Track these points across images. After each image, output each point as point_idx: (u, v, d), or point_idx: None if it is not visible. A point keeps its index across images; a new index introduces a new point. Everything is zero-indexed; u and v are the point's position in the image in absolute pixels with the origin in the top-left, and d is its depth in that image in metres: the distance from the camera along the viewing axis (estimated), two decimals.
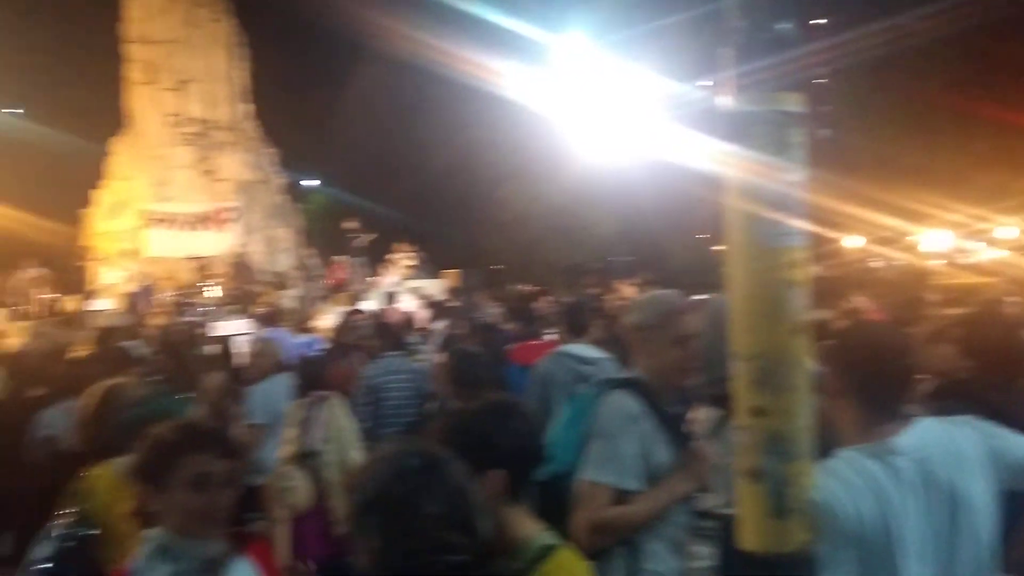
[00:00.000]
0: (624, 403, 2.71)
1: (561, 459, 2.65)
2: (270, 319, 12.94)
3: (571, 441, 2.70)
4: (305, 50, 39.51)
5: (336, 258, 20.08)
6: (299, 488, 3.23)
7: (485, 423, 2.11)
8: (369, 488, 1.66)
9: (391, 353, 6.44)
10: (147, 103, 21.50)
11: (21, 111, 35.39)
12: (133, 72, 21.53)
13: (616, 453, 2.61)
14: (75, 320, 17.47)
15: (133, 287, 17.94)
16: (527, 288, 17.85)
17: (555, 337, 7.01)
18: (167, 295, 18.09)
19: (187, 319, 14.97)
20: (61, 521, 2.98)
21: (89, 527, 2.94)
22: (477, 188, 29.89)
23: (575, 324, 5.23)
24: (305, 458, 3.37)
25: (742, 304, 1.84)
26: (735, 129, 1.81)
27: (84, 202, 21.71)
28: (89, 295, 18.27)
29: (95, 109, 23.84)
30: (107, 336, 8.35)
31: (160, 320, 16.39)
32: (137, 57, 21.50)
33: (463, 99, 28.32)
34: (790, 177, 1.79)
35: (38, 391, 6.08)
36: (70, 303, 18.44)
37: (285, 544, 3.12)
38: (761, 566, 1.80)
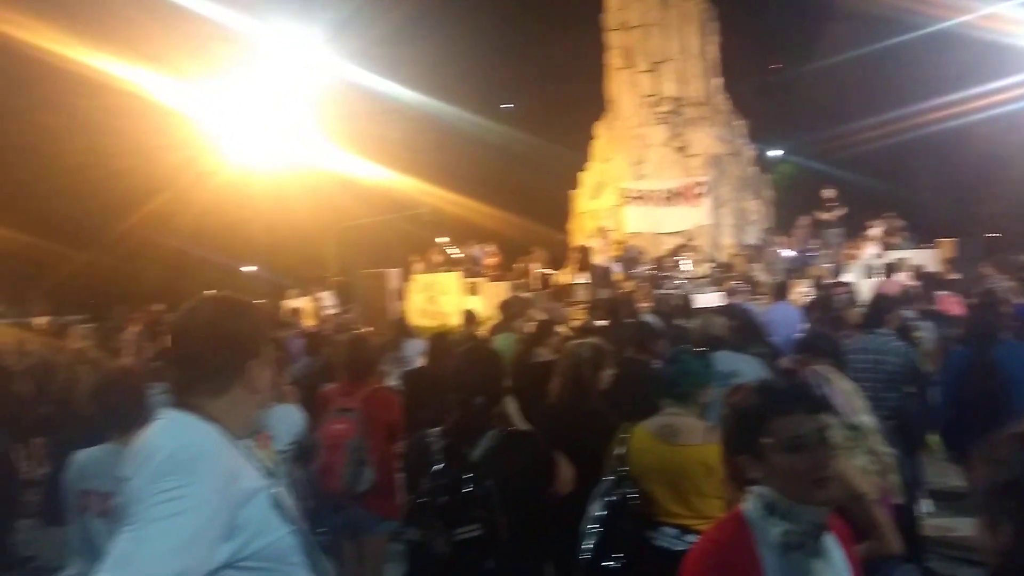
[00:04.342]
0: None
1: None
2: (742, 292, 12.95)
3: None
4: (770, 15, 38.59)
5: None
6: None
7: None
8: (1012, 466, 1.41)
9: (871, 330, 6.00)
10: (625, 86, 22.84)
11: (512, 106, 40.03)
12: (613, 58, 23.02)
13: None
14: (565, 293, 19.26)
15: (611, 262, 19.08)
16: None
17: None
18: (645, 269, 18.96)
19: (666, 291, 15.52)
20: (607, 481, 3.25)
21: (631, 485, 3.16)
22: (967, 146, 26.44)
23: None
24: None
25: None
26: None
27: (571, 185, 23.85)
28: (576, 271, 19.86)
29: (581, 98, 25.86)
30: (612, 308, 8.94)
31: (636, 293, 17.32)
32: (616, 43, 22.95)
33: (944, 48, 25.22)
34: None
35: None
36: (561, 277, 20.29)
37: (890, 528, 2.86)
38: None
